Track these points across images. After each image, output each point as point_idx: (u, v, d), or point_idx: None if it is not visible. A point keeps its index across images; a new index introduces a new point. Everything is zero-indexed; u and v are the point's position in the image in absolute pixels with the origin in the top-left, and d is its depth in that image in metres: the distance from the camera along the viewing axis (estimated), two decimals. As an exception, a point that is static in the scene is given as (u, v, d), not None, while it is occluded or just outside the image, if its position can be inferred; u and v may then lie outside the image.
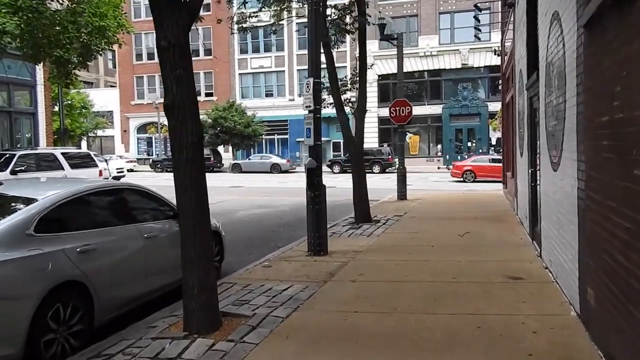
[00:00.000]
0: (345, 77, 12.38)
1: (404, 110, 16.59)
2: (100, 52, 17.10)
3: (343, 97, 11.70)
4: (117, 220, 5.38)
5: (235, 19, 11.62)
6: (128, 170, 41.65)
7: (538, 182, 7.75)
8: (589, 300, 3.85)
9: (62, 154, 16.71)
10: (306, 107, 7.94)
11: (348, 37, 49.43)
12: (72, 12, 14.96)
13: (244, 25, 11.63)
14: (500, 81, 19.48)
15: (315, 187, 7.88)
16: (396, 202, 16.19)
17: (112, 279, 4.98)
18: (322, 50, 10.47)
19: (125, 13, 16.84)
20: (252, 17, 11.59)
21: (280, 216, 14.54)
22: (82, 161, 17.36)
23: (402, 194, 16.87)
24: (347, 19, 11.59)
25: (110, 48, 16.32)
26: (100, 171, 18.23)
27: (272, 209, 16.48)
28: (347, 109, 11.71)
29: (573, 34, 4.34)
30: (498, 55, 18.11)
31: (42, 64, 17.07)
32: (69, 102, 27.38)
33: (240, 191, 24.01)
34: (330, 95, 11.09)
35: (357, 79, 11.39)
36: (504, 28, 16.67)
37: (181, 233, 4.53)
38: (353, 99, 12.03)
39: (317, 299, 5.55)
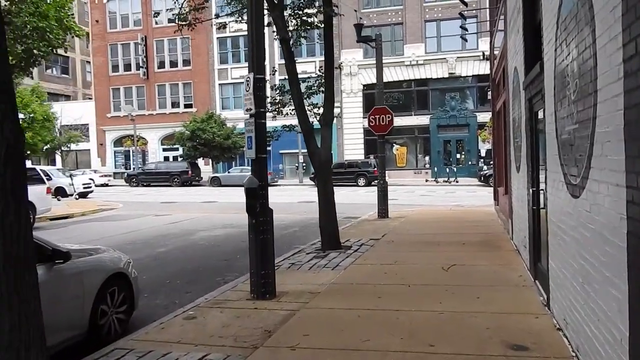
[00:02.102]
0: (309, 78, 10.68)
1: (384, 118, 14.95)
2: (45, 58, 15.38)
3: (309, 102, 10.00)
4: None
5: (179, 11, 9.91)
6: (102, 185, 39.70)
7: (542, 206, 6.08)
8: None
9: (0, 169, 14.86)
10: (246, 110, 6.24)
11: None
12: (7, 12, 13.28)
13: (190, 21, 9.92)
14: (489, 87, 17.94)
15: (258, 213, 6.14)
16: (376, 221, 14.49)
17: None
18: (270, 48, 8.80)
19: (72, 14, 15.13)
20: (196, 9, 9.88)
21: (244, 238, 12.65)
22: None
23: (383, 211, 15.18)
24: (311, 10, 9.88)
25: (54, 52, 14.59)
26: (48, 188, 16.32)
27: (237, 229, 14.70)
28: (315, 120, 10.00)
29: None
30: (487, 60, 16.57)
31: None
32: (31, 114, 25.45)
33: (212, 207, 22.23)
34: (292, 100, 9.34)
35: (323, 80, 9.64)
36: (492, 28, 15.13)
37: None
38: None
39: (231, 387, 3.80)
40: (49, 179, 27.43)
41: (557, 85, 4.47)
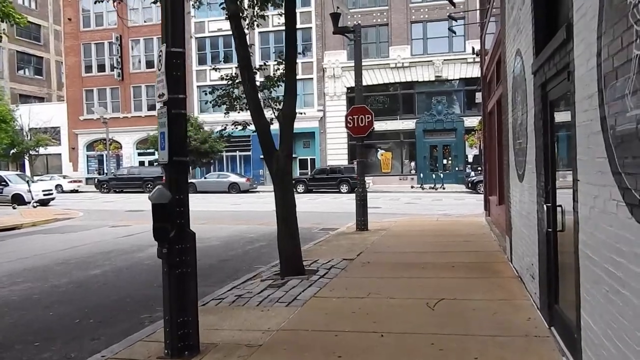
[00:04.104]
0: (265, 64, 8.98)
1: (363, 119, 13.30)
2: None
3: (265, 95, 8.32)
4: None
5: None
6: (72, 191, 37.62)
7: (560, 228, 4.46)
8: None
9: None
10: (159, 96, 4.56)
11: (314, 43, 45.79)
12: None
13: None
14: (479, 87, 16.41)
15: (171, 238, 4.43)
16: (354, 235, 12.83)
17: None
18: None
19: (10, 1, 13.31)
20: None
21: (199, 257, 10.94)
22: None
23: (362, 222, 13.52)
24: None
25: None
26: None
27: (197, 243, 12.90)
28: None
29: None
30: (477, 55, 15.05)
31: None
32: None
33: (179, 217, 20.35)
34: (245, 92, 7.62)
35: (284, 69, 7.91)
36: (483, 19, 13.60)
37: None
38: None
39: None
40: (6, 185, 25.51)
41: (606, 49, 2.82)
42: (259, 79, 8.33)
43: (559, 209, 4.55)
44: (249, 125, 8.18)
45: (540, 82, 4.95)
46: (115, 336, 5.65)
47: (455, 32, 19.69)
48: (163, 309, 4.70)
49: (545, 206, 4.74)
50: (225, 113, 8.88)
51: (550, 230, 4.71)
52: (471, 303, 5.87)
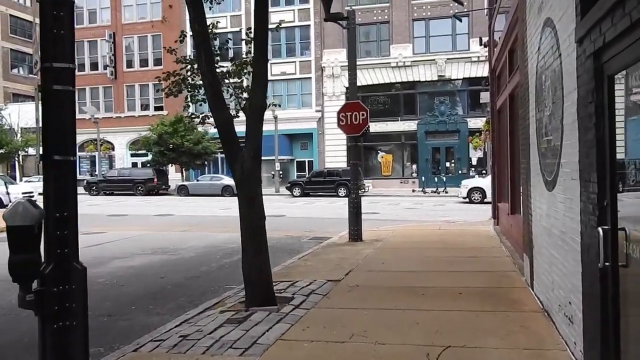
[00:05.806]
0: (227, 42, 7.50)
1: (357, 116, 11.84)
2: None
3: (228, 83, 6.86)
4: None
5: None
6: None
7: (625, 262, 2.99)
8: None
9: None
10: (34, 65, 3.10)
11: (312, 42, 43.98)
12: None
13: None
14: (487, 82, 14.92)
15: (46, 277, 2.94)
16: (345, 246, 11.35)
17: None
18: None
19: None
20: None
21: (165, 272, 9.54)
22: None
23: (355, 232, 12.06)
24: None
25: None
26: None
27: (168, 255, 11.51)
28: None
29: None
30: (485, 47, 13.58)
31: None
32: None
33: (163, 223, 18.92)
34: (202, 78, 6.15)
35: (252, 51, 6.42)
36: (492, 5, 12.12)
37: None
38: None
39: None
40: (-17, 187, 24.11)
41: None
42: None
43: (620, 233, 3.09)
44: (208, 119, 6.73)
45: (590, 51, 3.46)
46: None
47: (461, 20, 18.25)
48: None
49: (601, 230, 3.25)
50: (185, 107, 7.44)
51: (609, 264, 3.22)
52: (487, 354, 4.38)
